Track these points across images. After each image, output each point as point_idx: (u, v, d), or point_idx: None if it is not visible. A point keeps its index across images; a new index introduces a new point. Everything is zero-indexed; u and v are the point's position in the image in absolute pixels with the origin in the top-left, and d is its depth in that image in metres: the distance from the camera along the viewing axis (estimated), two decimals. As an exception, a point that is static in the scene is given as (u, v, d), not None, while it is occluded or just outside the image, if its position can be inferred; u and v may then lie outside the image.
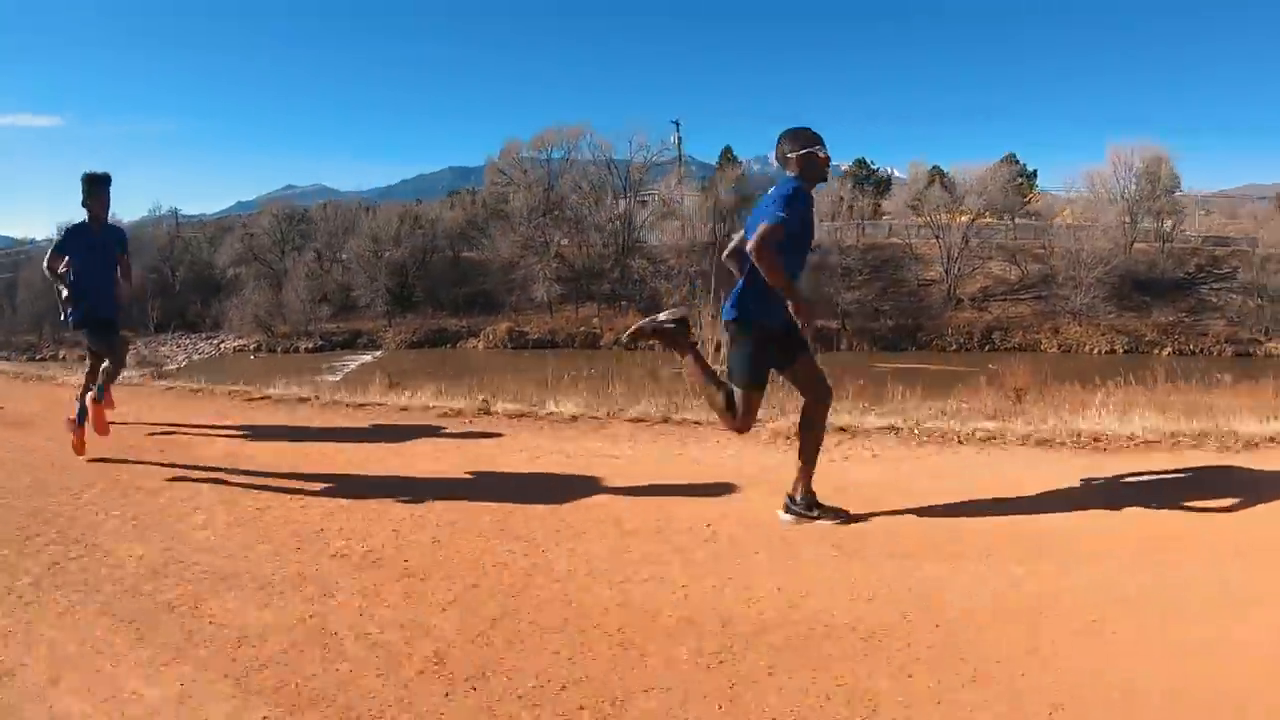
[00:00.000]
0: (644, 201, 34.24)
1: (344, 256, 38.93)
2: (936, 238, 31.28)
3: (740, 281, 2.92)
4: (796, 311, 2.73)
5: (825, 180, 2.97)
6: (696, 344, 3.18)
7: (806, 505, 3.04)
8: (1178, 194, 34.93)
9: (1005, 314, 31.53)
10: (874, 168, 35.35)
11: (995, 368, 14.87)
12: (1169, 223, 34.24)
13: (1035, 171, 34.63)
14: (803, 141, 2.86)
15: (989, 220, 33.40)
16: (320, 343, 38.12)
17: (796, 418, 3.25)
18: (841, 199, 31.56)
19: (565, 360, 29.49)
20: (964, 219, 31.06)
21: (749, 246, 2.68)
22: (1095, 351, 31.06)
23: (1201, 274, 34.24)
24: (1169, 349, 31.80)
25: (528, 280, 34.65)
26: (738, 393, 2.95)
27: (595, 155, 34.75)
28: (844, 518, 3.03)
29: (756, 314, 2.88)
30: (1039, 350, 31.14)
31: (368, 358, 35.09)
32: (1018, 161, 33.89)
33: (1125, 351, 31.25)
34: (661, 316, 3.15)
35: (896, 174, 35.33)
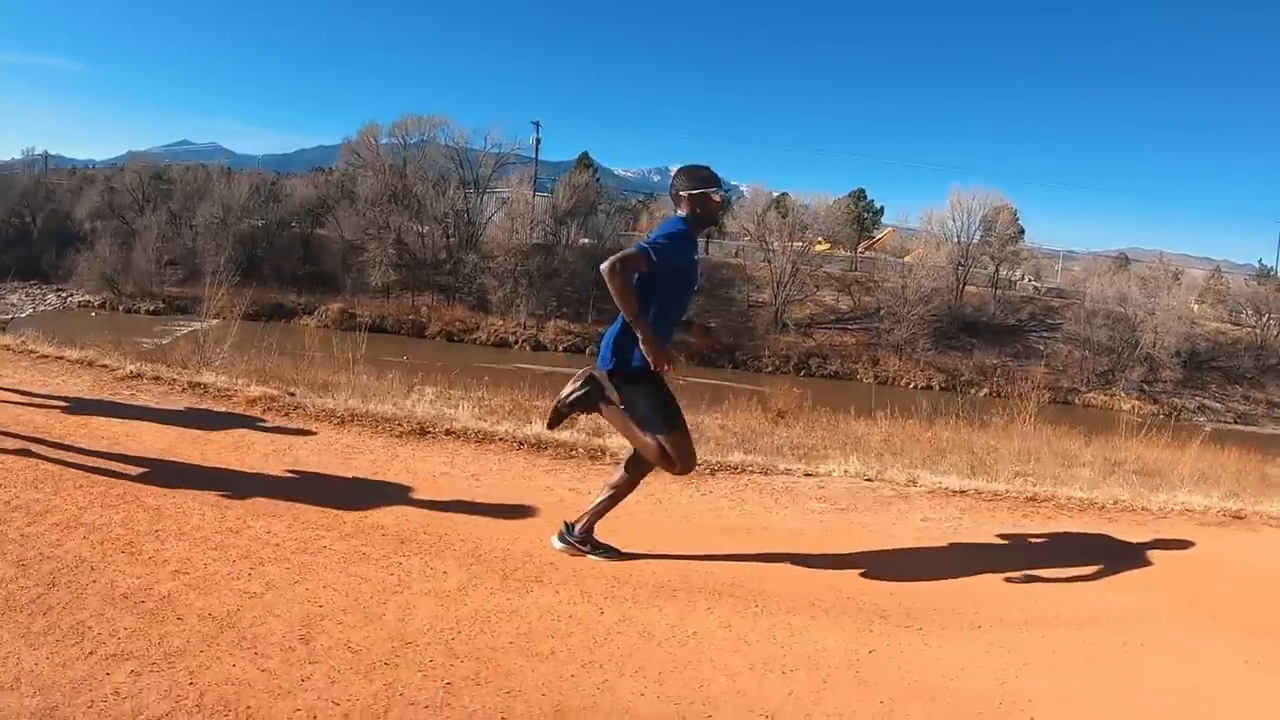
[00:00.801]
0: (490, 198, 33.77)
1: (195, 222, 37.92)
2: (767, 261, 31.19)
3: (613, 328, 2.79)
4: (644, 346, 2.61)
5: (715, 223, 3.05)
6: (609, 399, 3.01)
7: (581, 539, 2.94)
8: (1026, 245, 35.38)
9: (829, 342, 31.51)
10: (725, 187, 35.18)
11: (799, 390, 14.79)
12: (1017, 271, 34.61)
13: (883, 208, 34.82)
14: (698, 182, 2.76)
15: (828, 249, 33.45)
16: (161, 306, 37.07)
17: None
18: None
19: (390, 346, 29.10)
20: (795, 245, 31.02)
21: (603, 265, 2.54)
22: (911, 386, 31.15)
23: (1033, 322, 34.62)
24: (986, 390, 32.03)
25: (367, 264, 33.99)
26: (666, 440, 2.79)
27: (450, 146, 34.21)
28: (614, 555, 2.93)
29: (638, 357, 2.70)
30: (855, 379, 31.18)
31: (202, 325, 34.27)
32: (866, 198, 34.00)
33: (941, 389, 31.39)
34: (566, 390, 2.98)
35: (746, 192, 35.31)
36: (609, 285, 2.53)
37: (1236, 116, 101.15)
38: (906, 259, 32.62)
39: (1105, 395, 33.74)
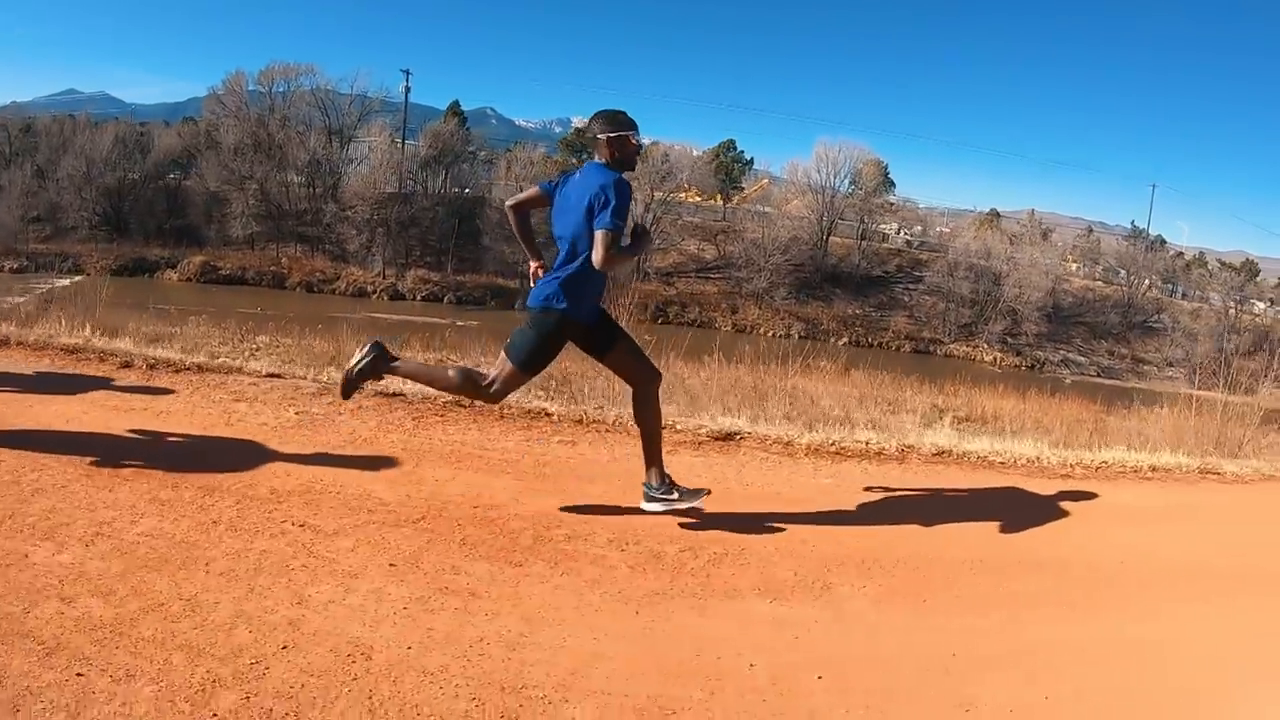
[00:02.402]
0: (360, 147, 33.17)
1: (59, 176, 36.66)
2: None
3: (559, 276, 2.69)
4: (647, 244, 2.79)
5: (633, 168, 2.80)
6: (395, 357, 2.92)
7: (666, 489, 2.89)
8: (897, 199, 35.77)
9: (690, 290, 31.57)
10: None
11: (650, 338, 14.64)
12: (892, 225, 34.99)
13: (751, 160, 34.94)
14: (616, 125, 2.72)
15: (701, 199, 33.45)
16: (25, 263, 35.81)
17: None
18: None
19: (250, 298, 28.44)
20: (657, 194, 30.95)
21: (596, 260, 2.54)
22: (770, 334, 31.38)
23: (900, 274, 35.11)
24: (846, 339, 32.43)
25: (230, 215, 33.21)
26: (504, 365, 2.77)
27: (316, 94, 33.49)
28: (700, 495, 2.92)
29: (567, 310, 2.70)
30: (714, 328, 31.32)
31: (65, 282, 33.23)
32: (735, 149, 34.07)
33: (801, 338, 31.71)
34: (353, 361, 2.87)
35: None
36: (609, 271, 2.61)
37: (1117, 80, 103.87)
38: (765, 209, 32.77)
39: (967, 346, 34.37)
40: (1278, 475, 4.91)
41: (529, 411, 4.12)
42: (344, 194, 31.25)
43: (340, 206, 31.31)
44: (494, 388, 2.79)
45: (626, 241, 2.67)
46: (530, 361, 2.78)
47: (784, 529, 2.96)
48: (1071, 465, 4.38)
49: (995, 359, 34.38)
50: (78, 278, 34.98)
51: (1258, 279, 43.74)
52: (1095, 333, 38.23)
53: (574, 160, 34.33)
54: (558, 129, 44.01)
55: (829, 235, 32.85)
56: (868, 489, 3.53)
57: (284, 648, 1.93)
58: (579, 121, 46.80)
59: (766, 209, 34.13)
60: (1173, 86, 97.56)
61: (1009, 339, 35.33)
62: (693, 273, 32.09)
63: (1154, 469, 4.54)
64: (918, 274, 34.80)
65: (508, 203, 3.00)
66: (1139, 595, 2.84)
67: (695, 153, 33.37)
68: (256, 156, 33.34)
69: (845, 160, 32.97)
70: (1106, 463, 4.53)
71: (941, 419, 7.97)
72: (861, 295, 33.14)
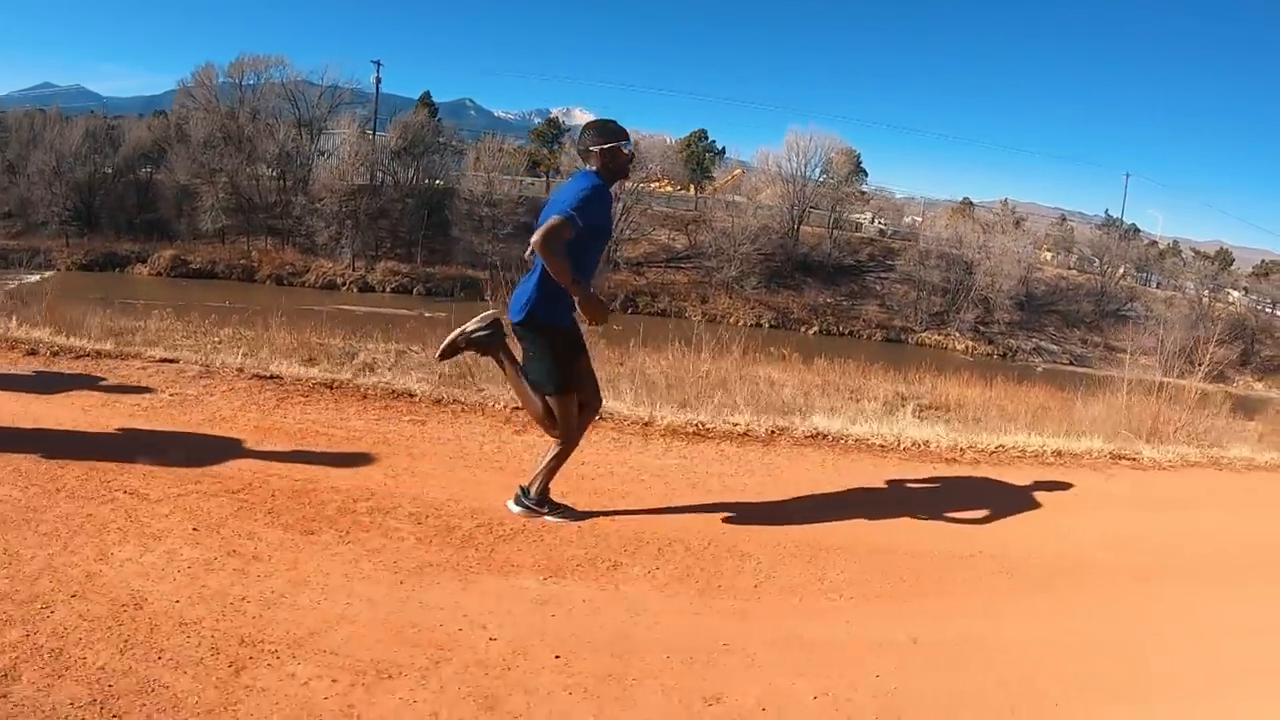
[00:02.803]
0: (330, 139, 33.06)
1: (29, 170, 36.44)
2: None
3: (530, 280, 2.69)
4: (582, 308, 2.60)
5: (626, 177, 2.86)
6: (507, 345, 2.93)
7: (538, 501, 2.88)
8: (870, 189, 35.81)
9: (660, 280, 31.59)
10: (564, 126, 34.95)
11: (619, 328, 14.63)
12: (865, 214, 35.02)
13: (723, 149, 34.94)
14: (607, 136, 2.71)
15: (674, 189, 33.43)
16: (-5, 259, 35.67)
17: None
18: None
19: (221, 291, 28.33)
20: (628, 184, 30.92)
21: (534, 238, 2.50)
22: (741, 323, 31.42)
23: (872, 263, 35.18)
24: (816, 328, 32.51)
25: (200, 209, 33.09)
26: (553, 400, 2.76)
27: (286, 87, 33.35)
28: (573, 515, 2.89)
29: (546, 317, 2.69)
30: (684, 317, 31.35)
31: (35, 278, 33.09)
32: (706, 138, 34.06)
33: (772, 326, 31.76)
34: (470, 325, 2.89)
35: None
36: (544, 257, 2.50)
37: (1094, 70, 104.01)
38: (738, 198, 32.78)
39: (939, 335, 34.46)
40: (1203, 461, 4.73)
41: (393, 392, 4.19)
42: (313, 186, 31.14)
43: (309, 199, 31.20)
44: (556, 429, 2.79)
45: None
46: (556, 381, 2.73)
47: (598, 508, 2.97)
48: (962, 449, 4.24)
49: (967, 347, 34.49)
50: (48, 273, 35.10)
51: (1232, 267, 43.99)
52: (1068, 321, 38.37)
53: (545, 152, 34.32)
54: (536, 120, 43.76)
55: (800, 224, 32.88)
56: (713, 471, 3.47)
57: (73, 596, 2.13)
58: (557, 112, 46.83)
59: (738, 198, 34.14)
60: (1149, 77, 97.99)
61: (981, 327, 35.42)
62: (663, 262, 32.10)
63: (1059, 454, 4.39)
64: (890, 263, 34.88)
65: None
66: (960, 588, 2.67)
67: (669, 141, 33.32)
68: (226, 149, 33.18)
69: (816, 149, 33.06)
70: (1004, 447, 4.37)
71: (904, 407, 7.97)
72: (833, 284, 33.20)
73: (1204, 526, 3.69)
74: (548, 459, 2.88)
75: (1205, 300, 40.59)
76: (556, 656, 2.07)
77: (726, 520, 2.99)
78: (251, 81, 33.99)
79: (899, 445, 4.17)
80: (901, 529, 3.08)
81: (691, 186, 34.10)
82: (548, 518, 2.87)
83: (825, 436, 4.15)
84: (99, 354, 4.44)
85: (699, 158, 33.43)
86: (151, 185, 36.53)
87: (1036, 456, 4.30)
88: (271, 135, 32.45)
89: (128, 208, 35.80)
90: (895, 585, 2.65)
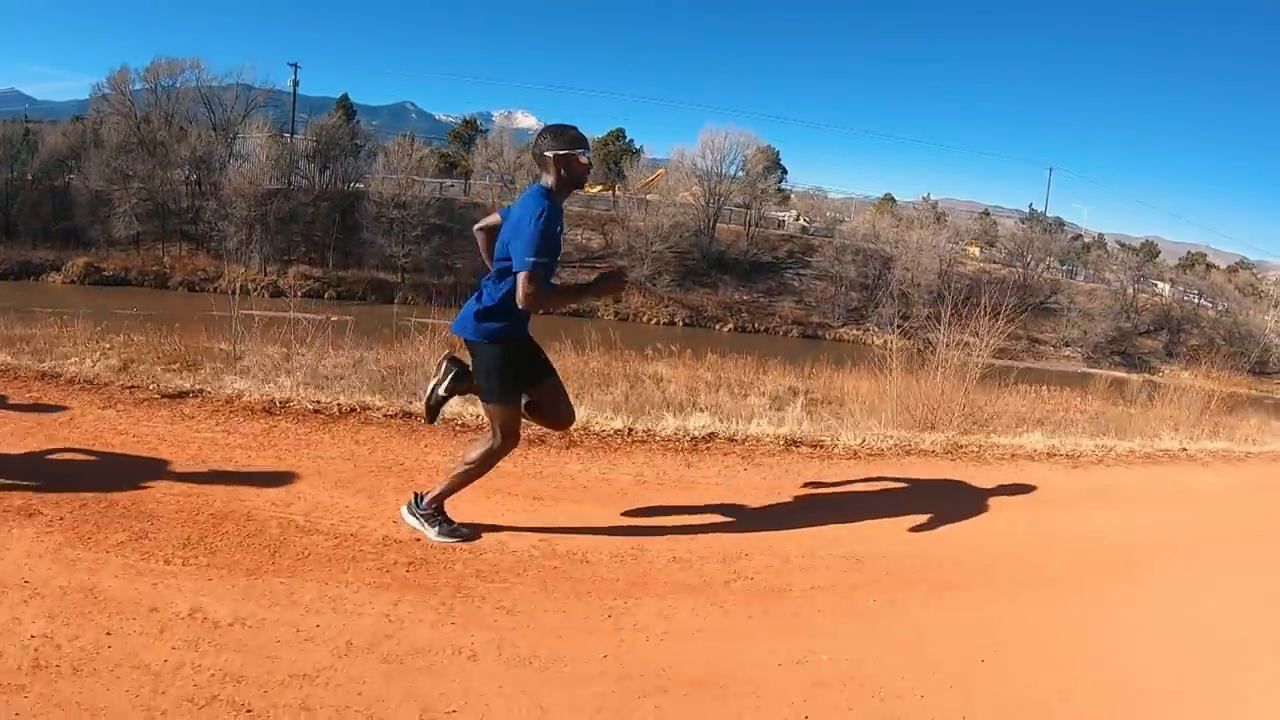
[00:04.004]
0: (240, 142, 32.94)
1: (-55, 178, 36.03)
2: (507, 199, 31.18)
3: (483, 296, 2.63)
4: (602, 298, 2.05)
5: (581, 187, 2.68)
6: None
7: (431, 519, 2.78)
8: (790, 186, 36.07)
9: (574, 281, 31.70)
10: (482, 128, 35.01)
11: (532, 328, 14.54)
12: (790, 212, 35.27)
13: (640, 148, 35.13)
14: (565, 142, 2.59)
15: (595, 189, 33.55)
16: (-89, 271, 35.24)
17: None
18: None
19: (131, 299, 28.12)
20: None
21: (520, 301, 2.46)
22: (654, 322, 31.63)
23: (791, 259, 35.48)
24: (731, 325, 32.76)
25: (114, 215, 32.86)
26: (496, 413, 2.70)
27: (200, 90, 33.20)
28: (464, 536, 2.80)
29: (501, 331, 2.63)
30: (596, 317, 31.52)
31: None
32: (624, 138, 34.21)
33: (686, 325, 32.00)
34: (434, 380, 2.84)
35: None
36: (534, 311, 2.51)
37: (1017, 66, 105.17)
38: (649, 196, 32.97)
39: (858, 330, 34.81)
40: (967, 446, 4.71)
41: (225, 398, 4.10)
42: (224, 191, 31.02)
43: (220, 204, 31.08)
44: (496, 441, 2.72)
45: (577, 279, 2.73)
46: (503, 394, 2.69)
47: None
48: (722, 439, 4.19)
49: (885, 342, 34.82)
50: (-41, 284, 34.64)
51: (1157, 259, 44.70)
52: (991, 315, 38.85)
53: (463, 154, 34.36)
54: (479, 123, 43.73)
55: (715, 222, 33.10)
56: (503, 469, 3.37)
57: None
58: (499, 115, 46.77)
59: (653, 196, 34.37)
60: (1075, 73, 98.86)
61: (901, 322, 35.81)
62: (578, 263, 32.18)
63: (905, 448, 4.43)
64: (809, 259, 35.20)
65: (475, 227, 2.88)
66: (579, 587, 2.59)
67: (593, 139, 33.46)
68: (140, 154, 32.99)
69: (732, 147, 33.29)
70: (757, 438, 4.30)
71: (795, 400, 8.12)
72: (749, 281, 33.46)
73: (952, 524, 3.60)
74: (460, 469, 2.76)
75: (1130, 292, 41.26)
76: (109, 646, 2.10)
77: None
78: (167, 85, 33.85)
79: (742, 439, 4.17)
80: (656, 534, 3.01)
81: (614, 186, 34.26)
82: (433, 538, 2.75)
83: (587, 430, 4.06)
84: None
85: (616, 157, 33.56)
86: (69, 191, 36.26)
87: (906, 449, 4.39)
88: (185, 139, 32.29)
89: (44, 215, 35.44)
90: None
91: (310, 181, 32.15)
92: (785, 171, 35.20)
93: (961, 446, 4.71)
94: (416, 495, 2.84)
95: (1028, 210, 41.58)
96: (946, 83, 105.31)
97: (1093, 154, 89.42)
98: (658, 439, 4.10)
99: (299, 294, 31.81)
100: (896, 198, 39.20)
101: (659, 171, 36.63)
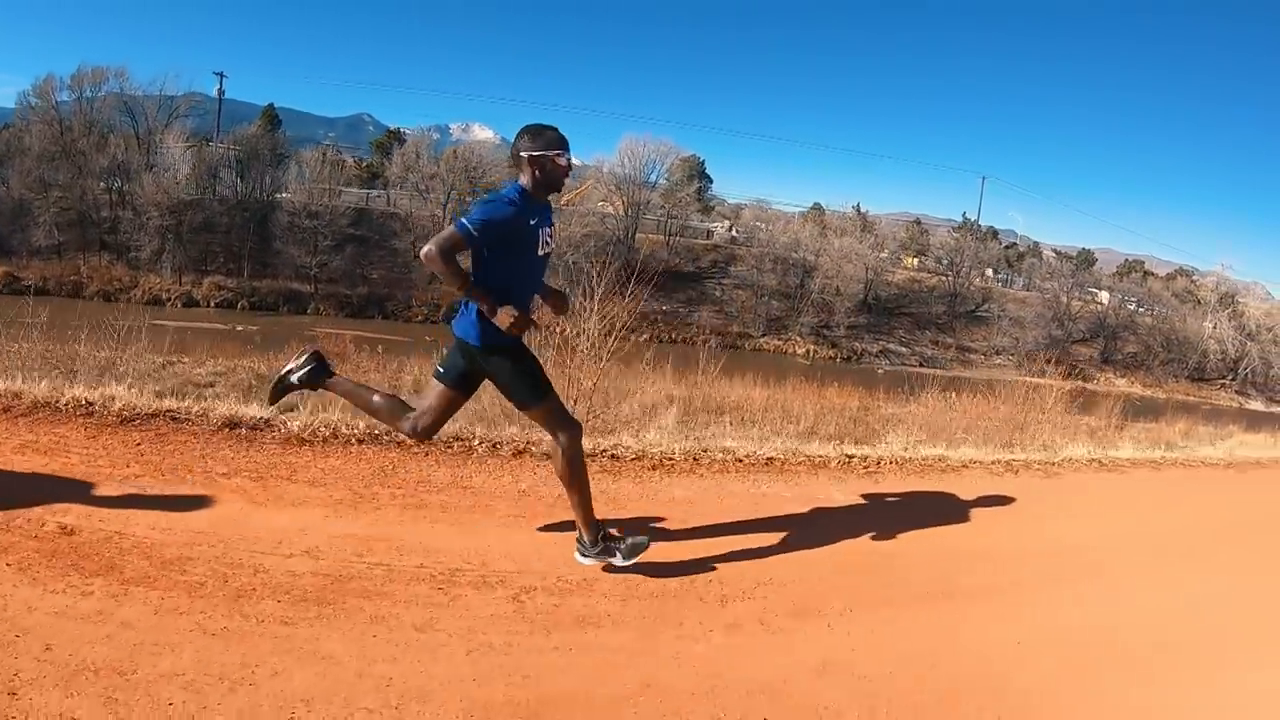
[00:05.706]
0: (164, 151, 32.97)
1: None
2: (431, 212, 31.24)
3: (473, 305, 2.56)
4: (495, 318, 2.44)
5: (559, 189, 2.60)
6: (333, 371, 2.84)
7: (604, 550, 2.74)
8: (712, 195, 36.16)
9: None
10: (402, 135, 35.00)
11: (431, 339, 14.69)
12: (723, 222, 35.36)
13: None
14: (541, 143, 2.52)
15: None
16: None
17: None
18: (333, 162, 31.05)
19: (47, 309, 28.19)
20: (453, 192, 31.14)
21: (422, 251, 2.38)
22: (568, 333, 31.74)
23: (714, 269, 35.60)
24: (647, 336, 32.86)
25: (34, 224, 32.90)
26: (541, 415, 2.64)
27: (122, 99, 33.26)
28: (643, 545, 2.77)
29: (498, 334, 2.52)
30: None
31: None
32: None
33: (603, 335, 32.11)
34: (290, 366, 2.80)
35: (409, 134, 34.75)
36: (430, 268, 2.40)
37: (951, 76, 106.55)
38: (563, 203, 33.07)
39: (779, 340, 34.96)
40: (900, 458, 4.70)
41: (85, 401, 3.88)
42: (139, 200, 31.07)
43: (135, 213, 31.13)
44: (563, 440, 2.63)
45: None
46: (536, 392, 2.62)
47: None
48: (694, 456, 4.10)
49: (809, 351, 34.97)
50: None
51: (1093, 268, 44.88)
52: (919, 323, 39.02)
53: (384, 162, 34.41)
54: (435, 135, 43.78)
55: (634, 232, 33.21)
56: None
57: None
58: (455, 128, 46.77)
59: (582, 207, 34.43)
60: (1009, 84, 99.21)
61: (824, 331, 35.95)
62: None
63: (775, 459, 4.29)
64: (732, 269, 35.32)
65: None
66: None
67: (503, 150, 33.50)
68: (62, 163, 33.05)
69: (653, 156, 33.38)
70: (729, 449, 4.26)
71: (669, 409, 8.17)
72: (668, 292, 33.54)
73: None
74: (571, 497, 2.69)
75: (1063, 300, 41.43)
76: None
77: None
78: (91, 94, 33.90)
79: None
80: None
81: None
82: (620, 562, 2.73)
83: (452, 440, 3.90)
84: None
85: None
86: (-6, 200, 36.35)
87: (773, 462, 4.22)
88: (104, 148, 32.34)
89: (-33, 225, 35.62)
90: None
91: (234, 190, 32.20)
92: (710, 180, 35.31)
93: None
94: (578, 541, 2.77)
95: (960, 219, 41.73)
96: (876, 93, 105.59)
97: (1031, 165, 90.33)
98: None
99: (213, 304, 32.02)
100: (827, 208, 39.28)
101: (586, 182, 36.76)
